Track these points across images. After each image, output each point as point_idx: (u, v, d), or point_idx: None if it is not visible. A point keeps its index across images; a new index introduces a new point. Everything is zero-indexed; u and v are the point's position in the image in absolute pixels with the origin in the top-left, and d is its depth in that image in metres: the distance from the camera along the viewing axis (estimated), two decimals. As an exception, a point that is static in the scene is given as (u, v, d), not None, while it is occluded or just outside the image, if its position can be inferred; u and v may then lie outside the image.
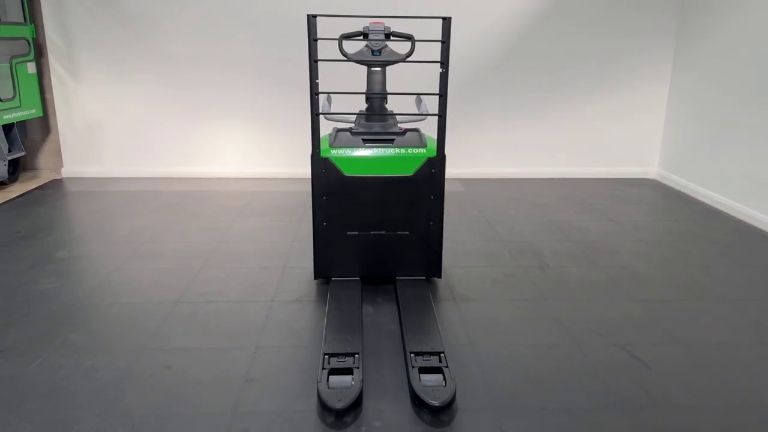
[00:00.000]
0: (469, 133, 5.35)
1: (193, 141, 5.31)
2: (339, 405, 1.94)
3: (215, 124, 5.27)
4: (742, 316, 2.73)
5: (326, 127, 3.03)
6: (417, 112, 3.15)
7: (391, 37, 2.89)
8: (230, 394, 2.10)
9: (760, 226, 4.01)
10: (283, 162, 5.36)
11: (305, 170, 5.21)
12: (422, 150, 2.80)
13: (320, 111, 3.27)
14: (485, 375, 2.24)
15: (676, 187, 5.13)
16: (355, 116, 3.06)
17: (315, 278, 2.97)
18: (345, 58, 2.82)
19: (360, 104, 3.14)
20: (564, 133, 5.43)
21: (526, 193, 4.89)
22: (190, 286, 3.00)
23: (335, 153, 2.77)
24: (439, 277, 2.98)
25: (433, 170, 2.80)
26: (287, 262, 3.34)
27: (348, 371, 2.13)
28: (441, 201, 2.85)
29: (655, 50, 5.24)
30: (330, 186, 2.79)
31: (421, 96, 3.27)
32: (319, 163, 2.76)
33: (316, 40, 2.62)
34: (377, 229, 2.87)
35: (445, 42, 2.65)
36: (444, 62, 2.67)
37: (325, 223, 2.84)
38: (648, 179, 5.47)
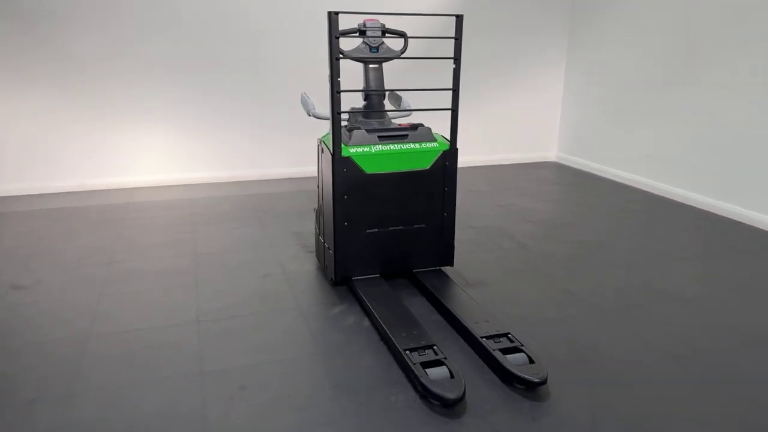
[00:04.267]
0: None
1: (107, 149, 4.79)
2: (453, 395, 1.98)
3: (130, 130, 4.81)
4: (707, 268, 3.24)
5: (315, 127, 2.97)
6: (396, 108, 3.23)
7: (386, 34, 2.94)
8: (329, 402, 2.03)
9: (661, 194, 4.70)
10: (205, 166, 5.06)
11: (229, 173, 5.06)
12: (435, 144, 2.88)
13: (309, 111, 3.21)
14: (546, 347, 2.41)
15: (576, 166, 5.78)
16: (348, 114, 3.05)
17: (335, 278, 2.91)
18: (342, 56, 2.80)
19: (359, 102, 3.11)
20: (473, 124, 5.80)
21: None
22: (200, 303, 2.77)
23: (355, 151, 2.74)
24: (452, 265, 3.09)
25: (447, 163, 2.90)
26: (284, 267, 3.22)
27: (437, 363, 2.17)
28: (454, 192, 2.96)
29: (550, 48, 5.81)
30: (350, 185, 2.76)
31: (395, 92, 3.34)
32: (341, 162, 2.72)
33: (338, 37, 2.58)
34: (395, 225, 2.90)
35: (458, 38, 2.76)
36: (457, 58, 2.78)
37: (346, 223, 2.81)
38: (550, 162, 6.07)
